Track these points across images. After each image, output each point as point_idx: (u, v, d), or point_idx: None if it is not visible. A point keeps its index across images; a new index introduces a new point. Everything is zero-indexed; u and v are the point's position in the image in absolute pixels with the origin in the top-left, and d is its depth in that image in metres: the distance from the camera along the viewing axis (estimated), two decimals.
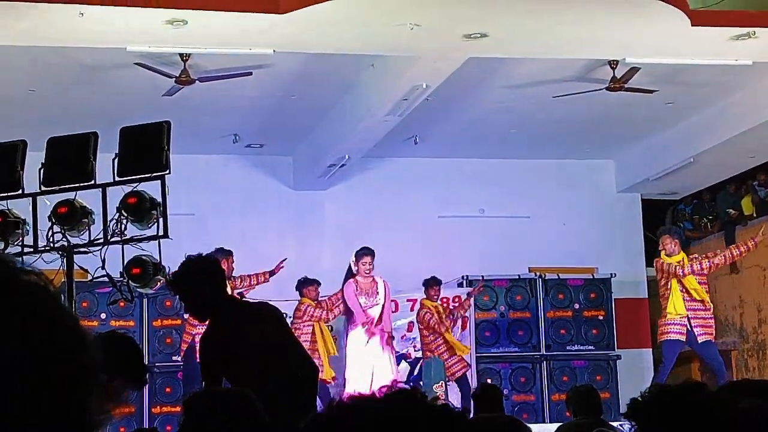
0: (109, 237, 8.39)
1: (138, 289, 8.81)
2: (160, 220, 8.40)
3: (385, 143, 13.71)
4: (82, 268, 8.54)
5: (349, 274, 12.01)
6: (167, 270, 8.11)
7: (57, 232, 8.39)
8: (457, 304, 13.59)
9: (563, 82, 12.41)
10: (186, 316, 12.41)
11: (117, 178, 8.44)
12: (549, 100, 12.86)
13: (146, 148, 8.38)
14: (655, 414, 2.38)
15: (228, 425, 3.53)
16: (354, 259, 11.94)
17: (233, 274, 11.55)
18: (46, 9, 9.13)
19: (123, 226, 8.41)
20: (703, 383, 2.58)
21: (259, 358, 5.61)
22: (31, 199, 8.59)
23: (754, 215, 16.40)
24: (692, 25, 10.09)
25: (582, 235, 15.96)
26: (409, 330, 13.29)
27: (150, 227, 8.47)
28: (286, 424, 5.28)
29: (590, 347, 14.47)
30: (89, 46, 10.37)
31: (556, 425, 9.66)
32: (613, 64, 11.66)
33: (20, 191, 8.56)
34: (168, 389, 12.84)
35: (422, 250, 15.11)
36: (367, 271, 11.85)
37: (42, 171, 8.48)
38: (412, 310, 13.31)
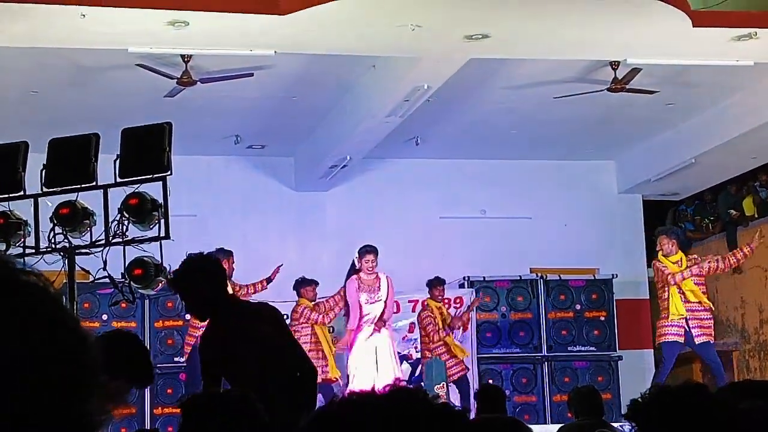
0: (110, 238, 8.39)
1: (139, 290, 8.82)
2: (162, 221, 8.41)
3: (386, 144, 13.71)
4: (83, 269, 8.54)
5: (352, 271, 11.99)
6: (168, 269, 8.11)
7: (58, 233, 8.40)
8: (459, 307, 13.59)
9: (564, 82, 12.42)
10: (188, 317, 12.44)
11: (118, 180, 8.44)
12: (550, 100, 12.87)
13: (148, 150, 8.38)
14: (655, 415, 2.38)
15: (227, 427, 3.53)
16: (357, 256, 11.93)
17: (233, 279, 11.53)
18: (48, 10, 9.14)
19: (124, 227, 8.41)
20: (704, 384, 2.59)
21: (259, 357, 5.61)
22: (32, 200, 8.59)
23: (756, 216, 16.40)
24: (693, 26, 10.10)
25: (583, 236, 15.96)
26: (411, 331, 13.29)
27: (151, 228, 8.48)
28: (286, 424, 5.29)
29: (591, 348, 14.46)
30: (91, 48, 10.37)
31: (557, 426, 9.66)
32: (615, 64, 11.66)
33: (22, 192, 8.57)
34: (169, 390, 12.84)
35: (423, 251, 15.11)
36: (370, 269, 11.83)
37: (43, 172, 8.49)
38: (413, 311, 13.30)
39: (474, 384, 12.98)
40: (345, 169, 14.48)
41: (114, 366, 4.11)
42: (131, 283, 8.56)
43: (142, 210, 8.34)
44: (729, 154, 14.35)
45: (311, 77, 12.15)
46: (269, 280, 12.24)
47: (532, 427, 4.03)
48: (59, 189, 8.51)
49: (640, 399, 2.43)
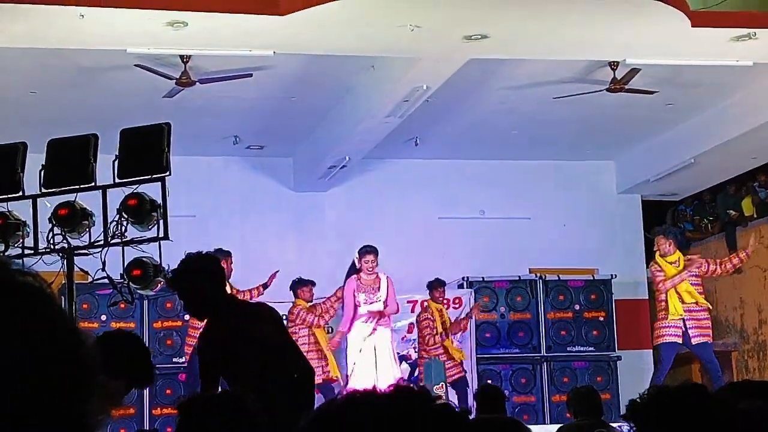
0: (109, 239, 8.39)
1: (138, 291, 8.81)
2: (161, 221, 8.40)
3: (385, 144, 13.71)
4: (82, 269, 8.54)
5: (353, 271, 11.99)
6: (167, 269, 8.11)
7: (57, 234, 8.39)
8: (458, 308, 13.59)
9: (564, 83, 12.42)
10: (187, 317, 12.44)
11: (117, 180, 8.44)
12: (549, 101, 12.87)
13: (146, 150, 8.38)
14: (654, 415, 2.38)
15: (224, 428, 3.52)
16: (357, 256, 11.93)
17: (230, 281, 11.50)
18: (47, 11, 9.14)
19: (123, 228, 8.41)
20: (702, 384, 2.59)
21: (259, 358, 5.61)
22: (31, 200, 8.59)
23: (755, 216, 16.40)
24: (692, 26, 10.09)
25: (582, 236, 15.96)
26: (410, 331, 13.29)
27: (150, 229, 8.47)
28: (285, 424, 5.29)
29: (591, 348, 14.46)
30: (89, 48, 10.37)
31: (556, 426, 9.66)
32: (614, 65, 11.66)
33: (21, 193, 8.56)
34: (168, 391, 12.83)
35: (423, 252, 15.12)
36: (370, 269, 11.83)
37: (42, 173, 8.49)
38: (412, 311, 13.30)
39: (473, 385, 12.98)
40: (344, 170, 14.48)
41: (113, 366, 4.11)
42: (130, 283, 8.56)
43: (141, 210, 8.34)
44: (728, 155, 14.35)
45: (310, 78, 12.15)
46: (265, 286, 12.17)
47: (531, 427, 4.03)
48: (58, 189, 8.51)
49: (638, 399, 2.43)
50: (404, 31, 9.82)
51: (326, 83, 12.38)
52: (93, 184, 8.42)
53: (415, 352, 13.19)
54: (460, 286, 14.25)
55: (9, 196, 8.58)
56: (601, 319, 14.57)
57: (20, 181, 8.55)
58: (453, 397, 12.50)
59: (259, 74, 11.56)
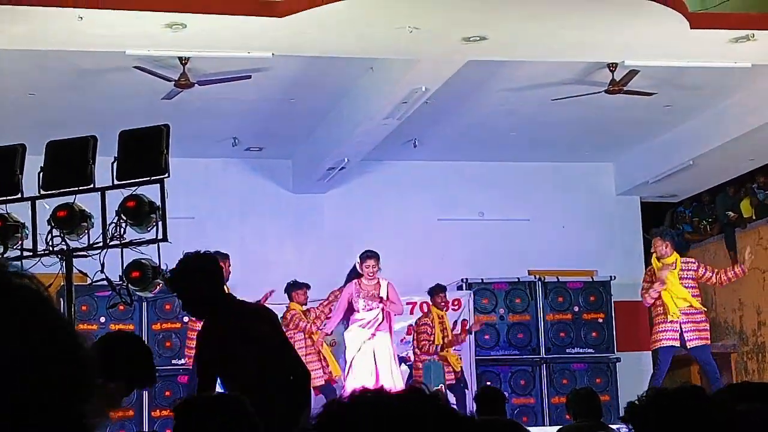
0: (108, 241, 8.38)
1: (137, 293, 8.80)
2: (160, 223, 8.40)
3: (384, 146, 13.71)
4: (81, 271, 8.53)
5: (354, 275, 11.98)
6: (166, 269, 8.10)
7: (56, 236, 8.39)
8: (456, 309, 13.58)
9: (562, 84, 12.42)
10: (186, 319, 12.43)
11: (116, 182, 8.43)
12: (548, 102, 12.87)
13: (145, 152, 8.37)
14: (652, 417, 2.38)
15: (220, 430, 3.52)
16: (358, 261, 11.92)
17: (228, 285, 11.46)
18: (46, 13, 9.14)
19: (122, 230, 8.40)
20: (700, 387, 2.59)
21: (258, 357, 5.61)
22: (30, 202, 8.58)
23: (753, 218, 16.40)
24: (691, 28, 10.10)
25: (581, 238, 15.97)
26: (409, 333, 13.28)
27: (149, 231, 8.46)
28: (283, 425, 5.29)
29: (590, 350, 14.46)
30: (88, 50, 10.37)
31: (555, 428, 9.66)
32: (612, 66, 11.67)
33: (19, 195, 8.56)
34: (168, 393, 12.82)
35: (422, 253, 15.12)
36: (371, 274, 11.82)
37: (41, 175, 8.48)
38: (411, 313, 13.29)
39: (472, 386, 12.98)
40: (343, 172, 14.48)
41: (114, 368, 4.11)
42: (129, 285, 8.55)
43: (140, 212, 8.33)
44: (727, 156, 14.36)
45: (309, 79, 12.15)
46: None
47: (531, 429, 4.04)
48: (57, 191, 8.50)
49: (636, 401, 2.43)
50: (403, 33, 9.82)
51: (325, 85, 12.38)
52: (92, 185, 8.42)
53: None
54: (459, 288, 14.25)
55: (8, 198, 8.57)
56: (600, 320, 14.57)
57: (19, 183, 8.54)
58: (452, 399, 12.51)
59: (258, 76, 11.56)
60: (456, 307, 13.67)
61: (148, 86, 11.49)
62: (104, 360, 4.14)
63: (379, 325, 11.79)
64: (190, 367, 11.92)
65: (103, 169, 8.43)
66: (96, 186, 8.44)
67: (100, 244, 8.40)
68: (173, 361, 12.91)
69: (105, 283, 8.60)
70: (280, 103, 12.90)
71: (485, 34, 10.03)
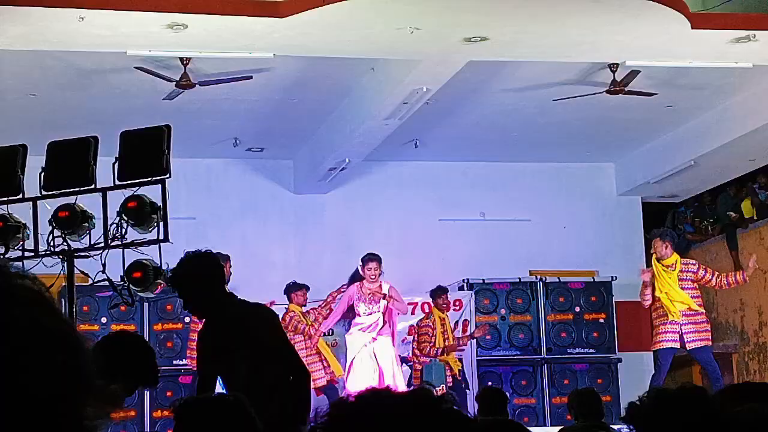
0: (109, 241, 8.38)
1: (139, 293, 8.80)
2: (161, 224, 8.40)
3: (385, 147, 13.71)
4: (82, 272, 8.54)
5: (358, 278, 11.97)
6: (167, 268, 8.10)
7: (57, 237, 8.39)
8: (458, 310, 13.58)
9: (563, 85, 12.42)
10: (187, 320, 12.44)
11: (117, 182, 8.43)
12: (549, 103, 12.87)
13: (147, 152, 8.37)
14: (653, 418, 2.38)
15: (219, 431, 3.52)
16: (360, 264, 11.92)
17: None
18: (47, 13, 9.14)
19: (123, 230, 8.40)
20: (701, 387, 2.59)
21: (255, 356, 5.61)
22: (31, 203, 8.58)
23: (755, 218, 16.40)
24: (692, 28, 10.10)
25: (582, 238, 15.96)
26: (410, 333, 13.28)
27: (150, 231, 8.46)
28: (282, 424, 5.30)
29: (591, 350, 14.46)
30: (89, 50, 10.38)
31: (557, 428, 9.66)
32: (614, 67, 11.66)
33: (21, 195, 8.56)
34: (169, 393, 12.82)
35: (423, 254, 15.12)
36: (373, 277, 11.80)
37: (42, 175, 8.48)
38: (413, 313, 13.29)
39: (473, 387, 12.98)
40: (344, 172, 14.48)
41: (117, 368, 4.11)
42: (130, 286, 8.55)
43: (141, 213, 8.33)
44: (728, 156, 14.36)
45: (310, 80, 12.15)
46: None
47: (532, 429, 4.04)
48: (58, 192, 8.50)
49: (638, 402, 2.43)
50: (404, 33, 9.82)
51: (326, 85, 12.38)
52: (93, 186, 8.42)
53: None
54: (461, 288, 14.25)
55: (9, 198, 8.57)
56: (602, 321, 14.57)
57: (20, 184, 8.55)
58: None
59: (259, 76, 11.56)
60: (457, 308, 13.67)
61: (149, 87, 11.50)
62: (107, 361, 4.15)
63: (380, 329, 11.79)
64: (192, 368, 11.93)
65: (105, 170, 8.43)
66: (97, 186, 8.44)
67: (102, 245, 8.40)
68: (174, 362, 12.91)
69: (106, 283, 8.60)
70: (282, 103, 12.90)
71: (486, 35, 10.03)
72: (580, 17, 9.84)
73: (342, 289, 12.12)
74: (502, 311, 14.43)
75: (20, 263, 8.08)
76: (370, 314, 11.80)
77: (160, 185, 8.40)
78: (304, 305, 12.39)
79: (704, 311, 11.71)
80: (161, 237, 8.40)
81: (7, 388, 1.07)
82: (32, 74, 11.47)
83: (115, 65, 11.16)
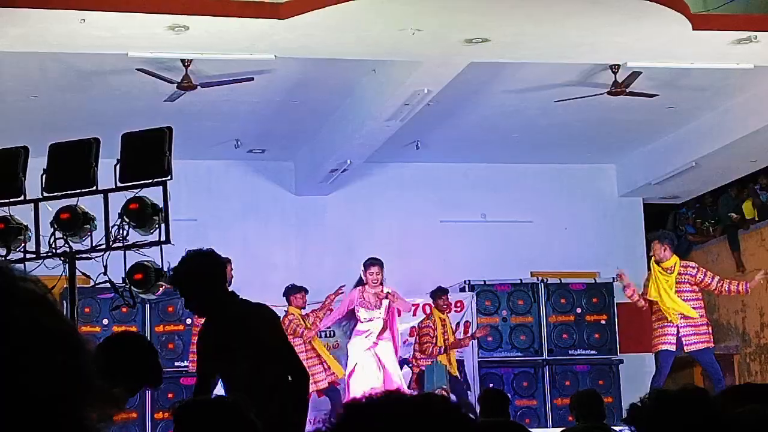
0: (111, 243, 8.38)
1: (140, 295, 8.80)
2: (162, 225, 8.40)
3: (386, 148, 13.71)
4: (84, 273, 8.54)
5: (360, 283, 11.98)
6: (168, 266, 8.10)
7: (59, 238, 8.39)
8: (459, 311, 13.58)
9: (565, 86, 12.43)
10: (189, 321, 12.44)
11: (119, 184, 8.43)
12: (551, 104, 12.87)
13: (148, 154, 8.37)
14: (655, 419, 2.38)
15: None
16: (362, 269, 11.92)
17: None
18: (48, 15, 9.15)
19: (125, 232, 8.41)
20: (703, 388, 2.59)
21: (255, 356, 5.61)
22: (33, 205, 8.58)
23: (756, 219, 16.41)
24: (693, 29, 10.10)
25: (584, 240, 15.97)
26: (411, 335, 13.28)
27: (152, 233, 8.46)
28: (281, 424, 5.31)
29: (592, 351, 14.45)
30: (91, 52, 10.38)
31: (558, 430, 9.67)
32: (615, 68, 11.66)
33: (22, 197, 8.56)
34: (171, 395, 12.82)
35: (424, 255, 15.12)
36: (375, 281, 11.79)
37: (44, 177, 8.48)
38: (414, 314, 13.29)
39: (475, 388, 12.98)
40: (345, 173, 14.48)
41: (119, 369, 4.12)
42: (132, 287, 8.55)
43: (143, 214, 8.33)
44: (729, 157, 14.36)
45: (311, 81, 12.16)
46: None
47: (533, 430, 4.04)
48: (59, 194, 8.50)
49: (639, 403, 2.43)
50: (405, 35, 9.83)
51: (327, 87, 12.38)
52: (94, 188, 8.42)
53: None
54: (462, 290, 14.25)
55: (10, 200, 8.57)
56: (603, 322, 14.56)
57: (22, 186, 8.55)
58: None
59: (261, 78, 11.57)
60: (458, 309, 13.67)
61: (150, 88, 11.50)
62: (108, 362, 4.15)
63: (381, 334, 11.80)
64: (194, 370, 11.92)
65: (106, 172, 8.43)
66: (99, 188, 8.44)
67: (103, 246, 8.40)
68: (176, 363, 12.90)
69: (108, 285, 8.60)
70: (283, 105, 12.91)
71: (487, 36, 10.03)
72: (581, 18, 9.84)
73: (340, 291, 12.11)
74: (504, 313, 14.42)
75: (22, 265, 8.08)
76: (371, 320, 11.80)
77: (161, 187, 8.40)
78: (304, 308, 12.38)
79: (704, 314, 11.69)
80: (162, 239, 8.40)
81: (7, 388, 1.07)
82: (33, 76, 11.48)
83: (116, 67, 11.16)
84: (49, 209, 8.49)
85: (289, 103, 12.87)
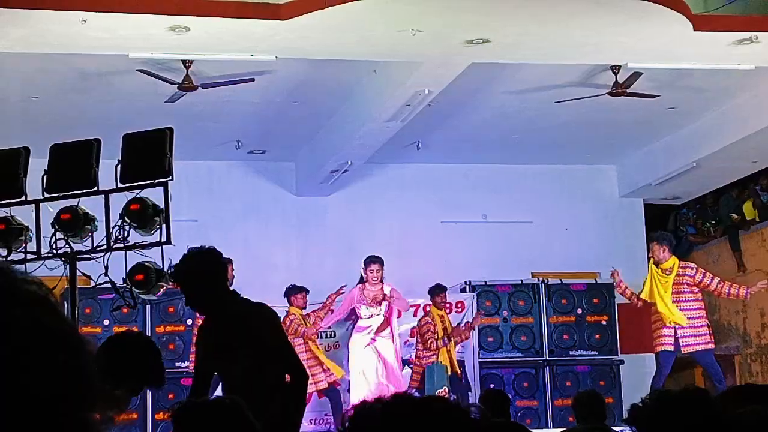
0: (111, 243, 8.39)
1: (141, 296, 8.81)
2: (163, 226, 8.41)
3: (387, 149, 13.71)
4: (85, 274, 8.55)
5: (360, 281, 12.01)
6: (170, 263, 8.10)
7: (60, 239, 8.40)
8: (460, 312, 13.58)
9: (565, 87, 12.43)
10: (190, 322, 12.45)
11: (120, 185, 8.44)
12: (551, 105, 12.87)
13: (149, 155, 8.38)
14: (656, 420, 2.38)
15: None
16: (363, 266, 11.95)
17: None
18: (49, 16, 9.15)
19: (126, 233, 8.42)
20: (704, 389, 2.59)
21: (254, 355, 5.61)
22: (34, 205, 8.59)
23: (757, 220, 16.40)
24: (694, 30, 10.10)
25: (584, 240, 15.96)
26: (412, 335, 13.28)
27: (153, 234, 8.47)
28: (279, 424, 5.31)
29: (593, 352, 14.45)
30: (92, 53, 10.38)
31: (559, 430, 9.66)
32: (616, 69, 11.67)
33: (23, 198, 8.57)
34: (171, 395, 12.82)
35: (425, 256, 15.12)
36: (375, 279, 11.83)
37: (45, 178, 8.49)
38: (415, 315, 13.29)
39: (476, 389, 12.98)
40: (346, 174, 14.48)
41: (118, 369, 4.12)
42: (133, 288, 8.56)
43: (144, 215, 8.34)
44: (730, 158, 14.36)
45: (312, 82, 12.16)
46: None
47: (534, 431, 4.04)
48: (60, 194, 8.51)
49: (640, 404, 2.43)
50: (406, 36, 9.83)
51: (328, 88, 12.39)
52: (95, 188, 8.43)
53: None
54: (463, 290, 14.25)
55: (12, 201, 8.58)
56: (604, 322, 14.56)
57: (23, 186, 8.56)
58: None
59: (261, 79, 11.57)
60: (459, 310, 13.67)
61: (151, 89, 11.50)
62: (109, 363, 4.15)
63: (381, 330, 11.81)
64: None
65: (107, 172, 8.43)
66: (100, 189, 8.45)
67: (104, 247, 8.41)
68: (177, 364, 12.90)
69: (108, 285, 8.61)
70: (284, 105, 12.91)
71: (488, 37, 10.03)
72: (583, 19, 9.84)
73: (341, 291, 12.13)
74: (504, 313, 14.42)
75: (22, 266, 8.09)
76: (372, 317, 11.83)
77: (162, 187, 8.41)
78: (304, 308, 12.39)
79: (704, 315, 11.69)
80: (163, 239, 8.41)
81: (8, 388, 1.07)
82: (34, 77, 11.48)
83: (117, 68, 11.17)
84: (50, 210, 8.50)
85: (289, 104, 12.87)
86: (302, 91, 12.43)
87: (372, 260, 11.89)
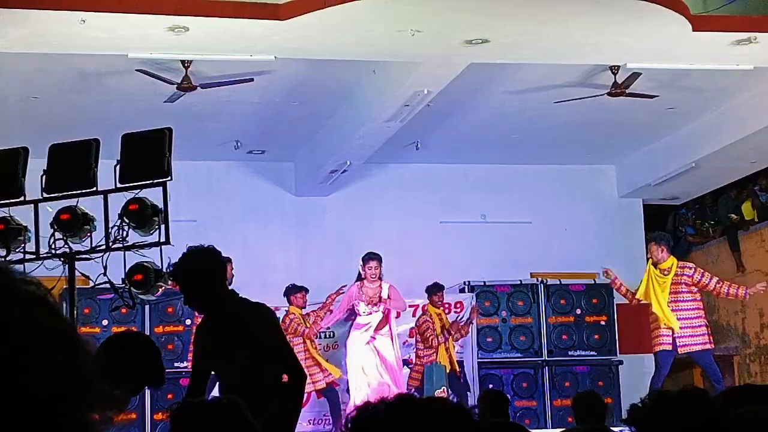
0: (110, 243, 8.39)
1: (140, 296, 8.81)
2: (162, 226, 8.41)
3: (386, 149, 13.72)
4: (83, 274, 8.55)
5: (358, 279, 12.02)
6: (169, 261, 8.10)
7: (59, 239, 8.40)
8: (459, 312, 13.58)
9: (564, 87, 12.43)
10: (189, 322, 12.44)
11: (119, 185, 8.44)
12: (550, 105, 12.87)
13: (148, 155, 8.38)
14: (655, 420, 2.38)
15: None
16: (361, 263, 11.96)
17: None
18: (48, 16, 9.15)
19: (125, 233, 8.41)
20: (703, 389, 2.59)
21: (253, 355, 5.61)
22: (32, 205, 8.59)
23: (756, 220, 16.41)
24: (693, 31, 10.10)
25: (583, 241, 15.96)
26: (411, 336, 13.28)
27: (152, 234, 8.47)
28: (277, 424, 5.31)
29: (592, 352, 14.44)
30: (91, 53, 10.38)
31: (558, 431, 9.66)
32: (615, 69, 11.67)
33: (22, 198, 8.57)
34: (170, 395, 12.81)
35: (424, 256, 15.12)
36: (373, 276, 11.84)
37: (44, 178, 8.49)
38: (413, 315, 13.29)
39: (474, 389, 12.98)
40: (345, 174, 14.48)
41: (117, 369, 4.12)
42: (131, 288, 8.56)
43: (143, 215, 8.34)
44: (729, 158, 14.36)
45: (311, 82, 12.16)
46: None
47: (533, 431, 4.04)
48: (59, 194, 8.51)
49: (639, 404, 2.43)
50: (405, 36, 9.83)
51: (327, 88, 12.39)
52: (94, 188, 8.43)
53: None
54: (462, 291, 14.24)
55: (10, 201, 8.58)
56: (603, 323, 14.55)
57: (22, 186, 8.56)
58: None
59: (261, 79, 11.57)
60: (458, 310, 13.67)
61: (150, 89, 11.50)
62: (108, 363, 4.15)
63: (380, 328, 11.82)
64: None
65: (106, 172, 8.44)
66: (98, 189, 8.45)
67: (103, 247, 8.41)
68: (176, 364, 12.89)
69: (107, 285, 8.61)
70: (283, 106, 12.91)
71: (487, 37, 10.03)
72: (583, 19, 9.84)
73: (341, 291, 12.14)
74: (503, 313, 14.41)
75: (21, 266, 8.09)
76: (371, 314, 11.84)
77: (161, 188, 8.41)
78: (304, 307, 12.40)
79: (703, 315, 11.70)
80: (162, 239, 8.41)
81: (7, 388, 1.07)
82: (33, 77, 11.48)
83: (116, 68, 11.17)
84: (49, 210, 8.50)
85: (289, 104, 12.87)
86: (301, 91, 12.44)
87: (370, 257, 11.91)
